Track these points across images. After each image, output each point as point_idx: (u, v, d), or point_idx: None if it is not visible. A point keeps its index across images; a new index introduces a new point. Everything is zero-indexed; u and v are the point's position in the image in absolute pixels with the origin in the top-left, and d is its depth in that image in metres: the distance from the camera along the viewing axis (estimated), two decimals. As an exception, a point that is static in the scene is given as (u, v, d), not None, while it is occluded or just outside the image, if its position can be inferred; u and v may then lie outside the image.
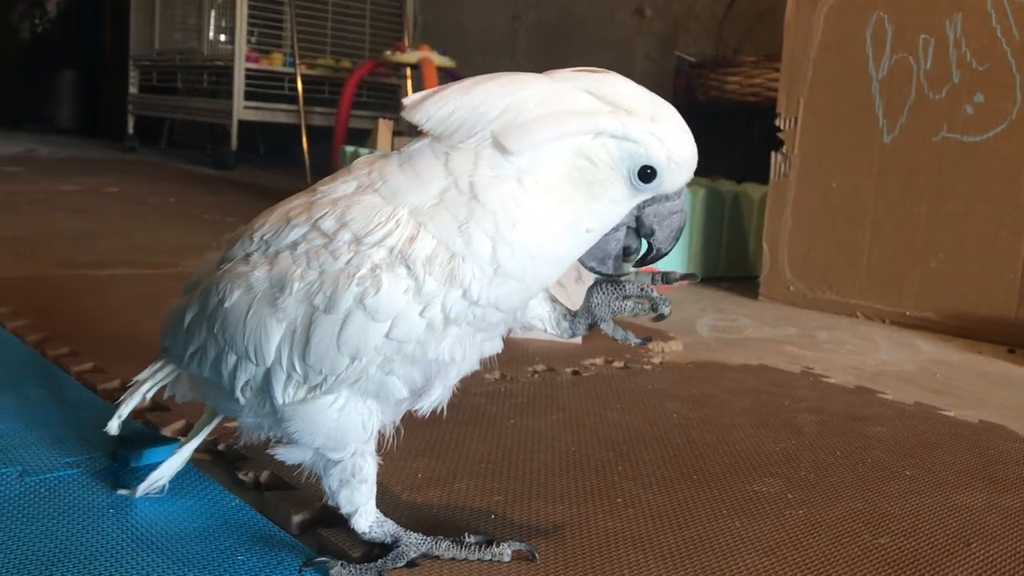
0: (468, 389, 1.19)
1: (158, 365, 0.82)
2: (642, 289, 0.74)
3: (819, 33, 1.99)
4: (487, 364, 1.30)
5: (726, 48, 3.61)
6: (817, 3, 1.98)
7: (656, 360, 1.43)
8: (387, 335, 0.64)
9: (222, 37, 4.76)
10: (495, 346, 0.72)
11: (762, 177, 2.21)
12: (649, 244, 0.70)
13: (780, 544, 0.80)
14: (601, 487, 0.90)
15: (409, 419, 1.04)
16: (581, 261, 0.70)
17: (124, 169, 4.14)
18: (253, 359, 0.67)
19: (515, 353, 1.37)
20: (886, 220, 1.93)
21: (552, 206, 0.64)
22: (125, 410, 0.82)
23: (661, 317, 0.74)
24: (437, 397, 0.72)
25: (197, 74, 4.95)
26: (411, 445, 0.97)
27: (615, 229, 0.68)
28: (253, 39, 4.66)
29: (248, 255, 0.68)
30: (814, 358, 1.58)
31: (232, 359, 0.69)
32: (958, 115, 1.83)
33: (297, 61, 4.51)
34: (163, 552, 0.73)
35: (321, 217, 0.65)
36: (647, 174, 0.65)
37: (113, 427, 0.82)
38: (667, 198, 0.68)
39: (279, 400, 0.68)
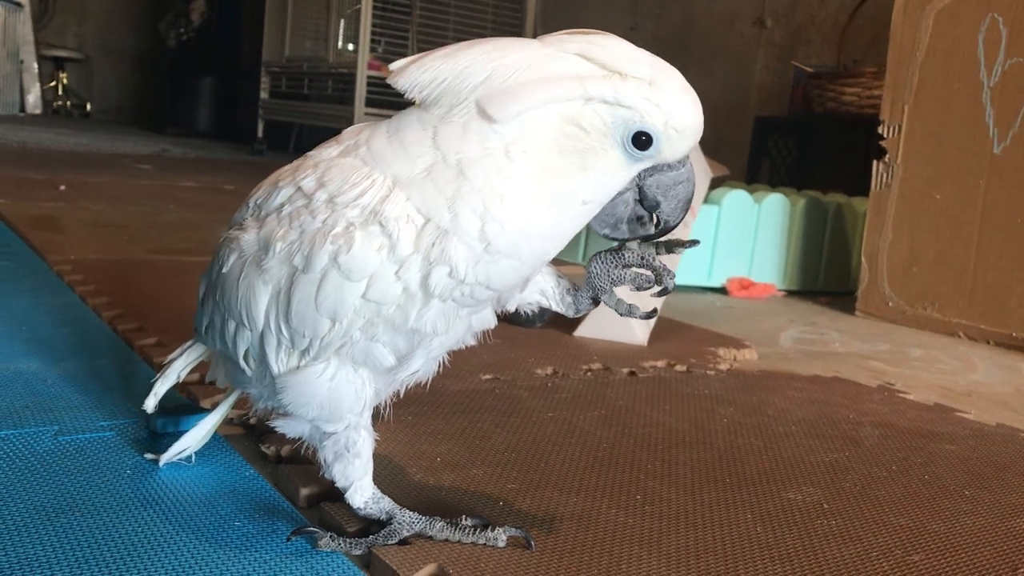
0: (515, 382, 1.17)
1: (188, 344, 0.84)
2: (643, 258, 0.70)
3: (927, 36, 1.88)
4: (539, 360, 1.27)
5: (847, 59, 3.48)
6: (926, 5, 1.88)
7: (723, 367, 1.38)
8: (364, 296, 0.62)
9: (350, 46, 4.89)
10: (486, 320, 0.70)
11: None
12: (656, 217, 0.67)
13: (798, 552, 0.75)
14: (623, 483, 0.87)
15: (442, 405, 1.04)
16: (593, 229, 0.67)
17: (246, 171, 4.28)
18: (246, 323, 0.67)
19: (572, 351, 1.35)
20: (994, 235, 1.81)
21: (541, 177, 0.61)
22: (161, 388, 0.84)
23: (665, 291, 0.70)
24: (419, 368, 0.70)
25: (323, 80, 5.11)
26: (437, 430, 0.97)
27: (620, 193, 0.65)
28: (380, 48, 4.77)
29: (243, 220, 0.69)
30: (898, 374, 1.49)
31: (232, 326, 0.70)
32: (1077, 124, 1.71)
33: (416, 70, 4.58)
34: (162, 512, 0.74)
35: (304, 178, 0.65)
36: (642, 141, 0.62)
37: (149, 404, 0.84)
38: (669, 167, 0.65)
39: (274, 368, 0.68)
